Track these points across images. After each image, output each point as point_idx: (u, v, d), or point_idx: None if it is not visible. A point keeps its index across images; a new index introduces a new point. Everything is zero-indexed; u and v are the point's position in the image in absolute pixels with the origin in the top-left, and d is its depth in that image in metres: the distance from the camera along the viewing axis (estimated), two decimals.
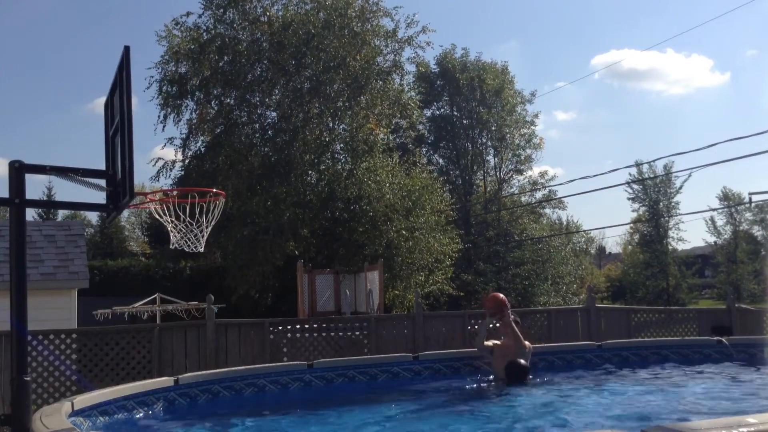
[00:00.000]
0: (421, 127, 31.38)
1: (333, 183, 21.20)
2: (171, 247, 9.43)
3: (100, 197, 6.10)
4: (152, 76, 22.11)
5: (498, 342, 8.26)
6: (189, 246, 9.02)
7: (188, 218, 8.72)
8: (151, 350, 10.35)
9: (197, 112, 22.58)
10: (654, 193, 45.90)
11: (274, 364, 9.13)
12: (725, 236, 51.19)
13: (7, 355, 9.03)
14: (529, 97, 36.19)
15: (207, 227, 8.86)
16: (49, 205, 36.19)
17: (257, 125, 22.68)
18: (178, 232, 8.93)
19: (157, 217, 9.07)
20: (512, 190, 36.80)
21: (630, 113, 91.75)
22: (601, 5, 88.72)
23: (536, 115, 36.64)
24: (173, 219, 8.76)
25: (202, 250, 9.10)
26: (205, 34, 21.80)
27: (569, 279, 34.75)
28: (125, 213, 34.56)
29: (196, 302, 17.52)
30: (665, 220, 45.82)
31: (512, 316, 8.34)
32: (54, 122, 73.35)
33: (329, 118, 21.95)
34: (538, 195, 36.45)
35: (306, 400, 7.54)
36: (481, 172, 36.29)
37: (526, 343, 8.19)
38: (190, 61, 21.69)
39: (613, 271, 57.20)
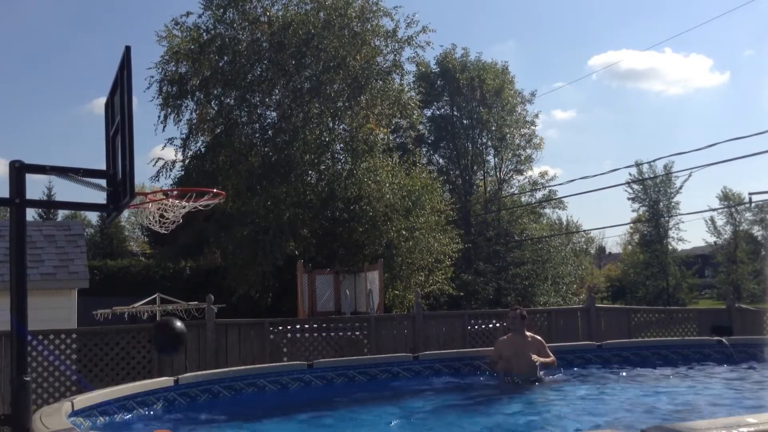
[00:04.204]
0: (421, 127, 31.37)
1: (333, 183, 21.19)
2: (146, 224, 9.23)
3: (100, 197, 6.08)
4: (152, 76, 22.14)
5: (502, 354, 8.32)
6: (165, 226, 8.78)
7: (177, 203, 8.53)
8: (151, 350, 10.33)
9: (197, 112, 22.59)
10: (654, 193, 45.93)
11: (274, 364, 9.12)
12: (725, 236, 51.24)
13: (7, 355, 9.02)
14: (529, 97, 36.24)
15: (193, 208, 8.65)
16: (49, 205, 36.22)
17: (257, 125, 22.68)
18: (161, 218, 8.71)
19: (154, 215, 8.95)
20: (512, 190, 36.82)
21: (629, 113, 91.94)
22: (598, 6, 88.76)
23: (536, 115, 36.71)
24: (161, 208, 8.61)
25: (180, 221, 8.81)
26: (205, 34, 21.80)
27: (569, 279, 34.75)
28: (125, 213, 34.52)
29: (196, 302, 17.50)
30: (665, 220, 45.84)
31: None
32: (54, 122, 73.46)
33: (329, 118, 21.95)
34: (538, 195, 36.48)
35: (306, 400, 7.54)
36: (481, 172, 36.29)
37: (534, 357, 8.03)
38: (190, 61, 21.69)
39: (613, 271, 57.22)
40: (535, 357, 7.95)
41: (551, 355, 8.21)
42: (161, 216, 8.70)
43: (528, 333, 8.39)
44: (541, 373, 8.04)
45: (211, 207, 8.88)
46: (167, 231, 8.91)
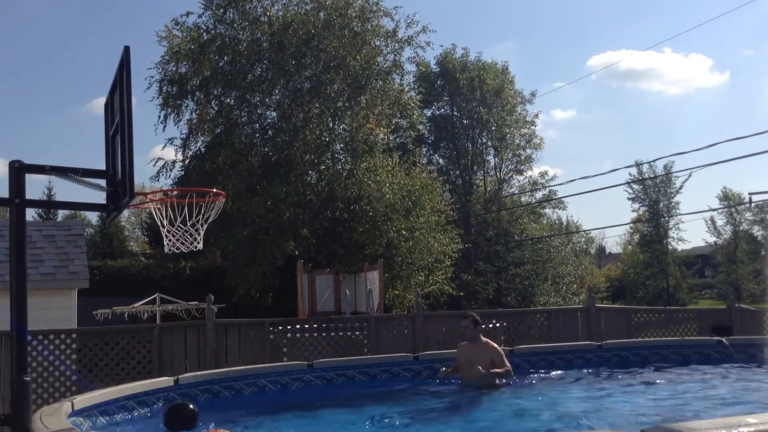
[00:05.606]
0: (421, 127, 31.37)
1: (333, 183, 21.19)
2: (166, 251, 9.44)
3: (100, 197, 6.09)
4: (152, 77, 22.16)
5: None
6: (185, 247, 8.99)
7: (181, 223, 8.70)
8: (151, 350, 10.34)
9: (197, 112, 22.59)
10: (654, 193, 45.92)
11: (274, 364, 9.13)
12: (725, 236, 51.24)
13: (7, 355, 9.02)
14: (529, 97, 36.23)
15: (203, 224, 8.83)
16: (49, 205, 36.19)
17: (257, 125, 22.68)
18: (173, 236, 8.91)
19: (157, 219, 9.07)
20: (512, 190, 36.82)
21: (629, 113, 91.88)
22: (598, 6, 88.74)
23: (536, 115, 36.69)
24: (167, 224, 8.74)
25: (201, 247, 9.06)
26: (205, 34, 21.80)
27: (569, 279, 34.74)
28: (125, 213, 34.56)
29: (196, 302, 17.52)
30: (665, 220, 45.83)
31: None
32: (54, 122, 73.46)
33: (329, 118, 21.95)
34: (538, 195, 36.47)
35: (306, 400, 7.54)
36: (481, 172, 36.29)
37: (479, 368, 7.55)
38: (190, 61, 21.70)
39: (613, 271, 57.20)
40: (480, 369, 7.50)
41: (506, 364, 7.77)
42: (182, 243, 8.89)
43: (485, 340, 7.99)
44: (501, 381, 7.71)
45: (214, 212, 8.94)
46: (200, 247, 9.07)
